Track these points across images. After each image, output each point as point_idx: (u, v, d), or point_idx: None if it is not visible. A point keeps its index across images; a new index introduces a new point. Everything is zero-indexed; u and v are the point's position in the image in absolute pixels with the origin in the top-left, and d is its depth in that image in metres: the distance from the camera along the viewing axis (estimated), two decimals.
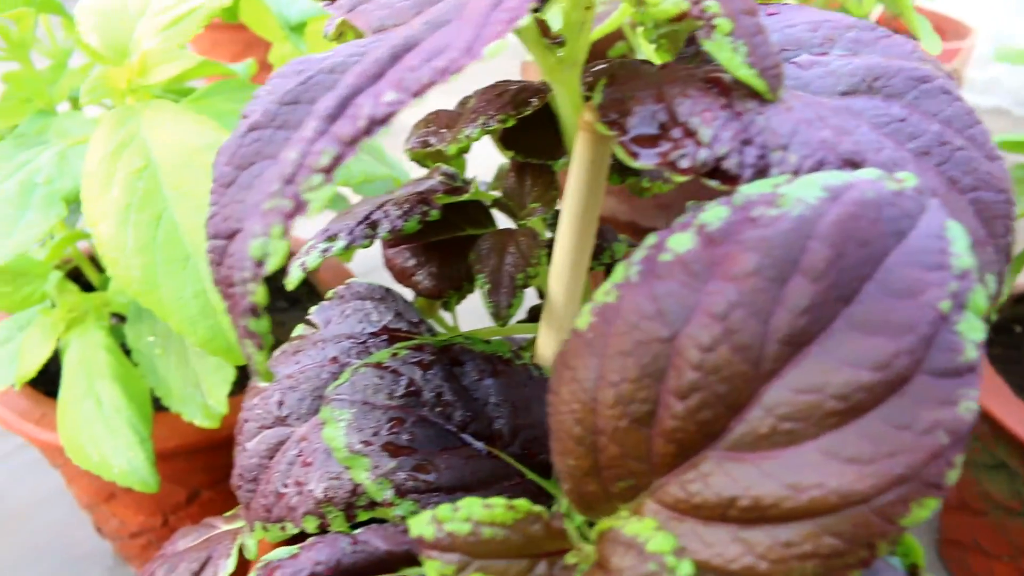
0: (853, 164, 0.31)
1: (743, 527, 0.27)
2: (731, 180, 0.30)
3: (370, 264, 1.08)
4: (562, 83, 0.40)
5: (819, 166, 0.30)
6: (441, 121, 0.48)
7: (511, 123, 0.41)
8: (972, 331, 0.26)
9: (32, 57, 0.71)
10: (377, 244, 0.46)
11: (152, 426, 0.58)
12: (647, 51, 0.49)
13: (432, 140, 0.47)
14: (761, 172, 0.30)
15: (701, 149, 0.30)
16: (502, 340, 0.42)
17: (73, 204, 0.59)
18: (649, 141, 0.31)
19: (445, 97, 0.48)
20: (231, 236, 0.33)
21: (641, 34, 0.46)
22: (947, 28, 1.49)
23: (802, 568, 0.26)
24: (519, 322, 0.49)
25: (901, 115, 0.34)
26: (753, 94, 0.32)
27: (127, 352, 0.61)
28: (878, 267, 0.27)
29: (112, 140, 0.52)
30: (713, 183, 0.30)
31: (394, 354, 0.41)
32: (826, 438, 0.26)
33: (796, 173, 0.30)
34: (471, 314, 0.56)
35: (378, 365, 0.41)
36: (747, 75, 0.31)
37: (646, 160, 0.31)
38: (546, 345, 0.42)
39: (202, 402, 0.58)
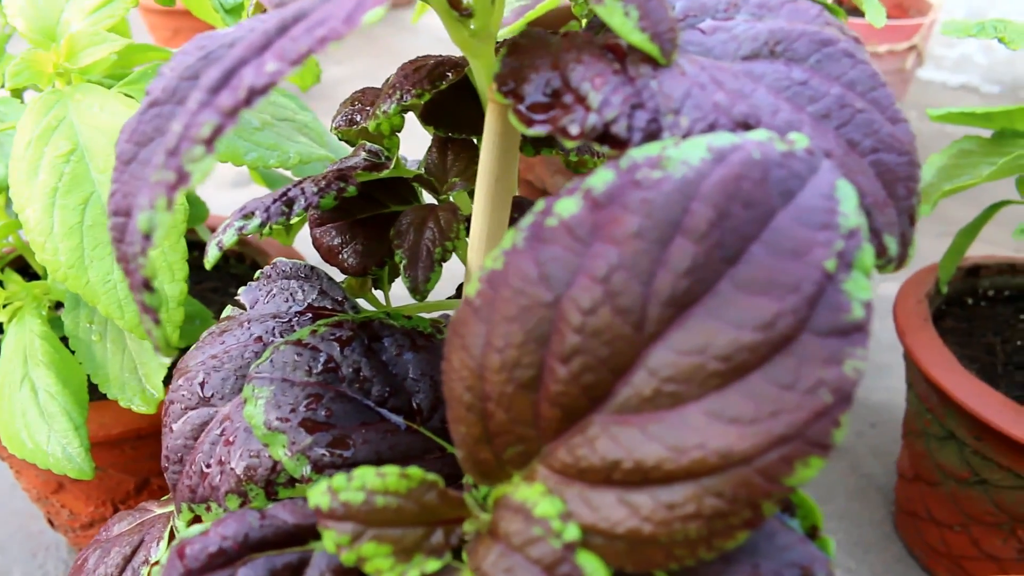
0: (747, 127, 0.31)
1: (628, 490, 0.27)
2: (620, 145, 0.30)
3: None
4: (476, 56, 0.40)
5: (711, 129, 0.30)
6: (367, 98, 0.48)
7: (427, 97, 0.41)
8: (859, 290, 0.26)
9: None
10: None
11: (87, 413, 0.57)
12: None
13: (358, 118, 0.46)
14: (652, 136, 0.30)
15: (590, 114, 0.30)
16: (423, 316, 0.42)
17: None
18: (542, 108, 0.31)
19: None
20: (129, 213, 0.33)
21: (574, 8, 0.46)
22: (909, 4, 1.50)
23: (686, 529, 0.26)
24: (449, 298, 0.49)
25: (802, 78, 0.34)
26: (648, 59, 0.32)
27: (66, 341, 0.61)
28: (764, 228, 0.27)
29: (39, 124, 0.52)
30: (604, 148, 0.30)
31: (313, 331, 0.41)
32: (709, 399, 0.26)
33: (687, 136, 0.30)
34: (406, 294, 0.56)
35: (298, 342, 0.40)
36: (639, 39, 0.31)
37: (539, 127, 0.31)
38: None
39: (140, 388, 0.58)
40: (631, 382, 0.27)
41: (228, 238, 0.40)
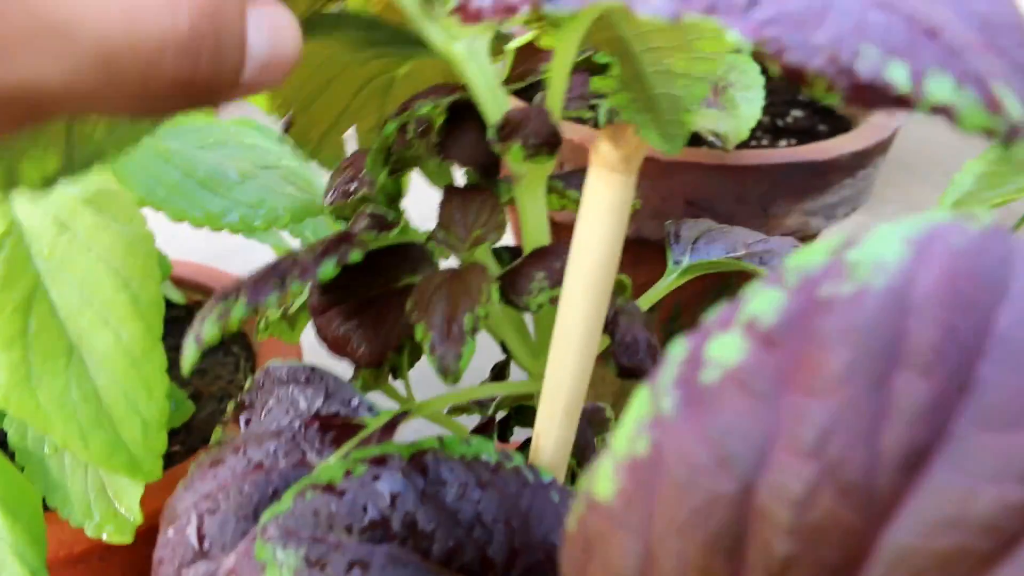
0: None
1: None
2: None
3: None
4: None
5: None
6: (359, 163, 0.39)
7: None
8: None
9: None
10: None
11: (46, 548, 0.47)
12: None
13: (352, 187, 0.38)
14: None
15: None
16: (484, 439, 0.33)
17: None
18: None
19: None
20: None
21: None
22: None
23: None
24: (483, 383, 0.41)
25: None
26: None
27: (11, 455, 0.51)
28: (986, 337, 0.20)
29: None
30: None
31: (348, 471, 0.32)
32: None
33: None
34: (426, 380, 0.46)
35: (329, 488, 0.32)
36: None
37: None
38: (547, 434, 0.33)
39: (111, 511, 0.48)
40: None
41: (208, 332, 0.31)
